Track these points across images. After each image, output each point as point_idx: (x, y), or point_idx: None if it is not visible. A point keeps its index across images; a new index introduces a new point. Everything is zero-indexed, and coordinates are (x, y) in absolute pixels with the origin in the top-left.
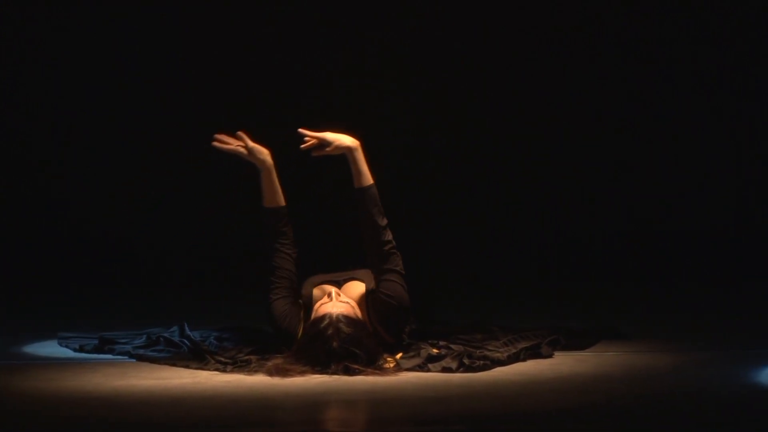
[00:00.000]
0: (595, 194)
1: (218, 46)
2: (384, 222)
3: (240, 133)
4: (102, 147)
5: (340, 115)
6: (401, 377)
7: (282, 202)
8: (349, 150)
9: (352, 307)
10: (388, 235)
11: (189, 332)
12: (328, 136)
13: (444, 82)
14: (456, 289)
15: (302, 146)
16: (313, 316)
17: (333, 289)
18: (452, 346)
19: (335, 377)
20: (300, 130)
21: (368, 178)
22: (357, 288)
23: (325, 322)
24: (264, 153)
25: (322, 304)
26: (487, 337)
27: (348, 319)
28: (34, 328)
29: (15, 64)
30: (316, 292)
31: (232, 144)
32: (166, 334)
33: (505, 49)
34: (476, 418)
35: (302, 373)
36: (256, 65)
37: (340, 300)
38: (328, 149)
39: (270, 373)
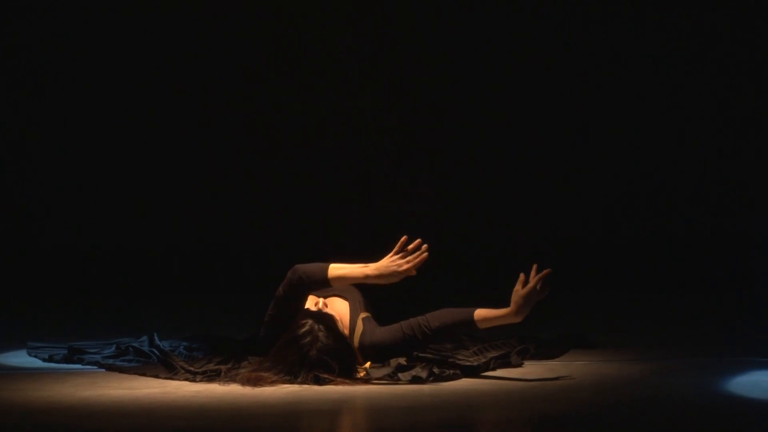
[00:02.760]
0: (565, 201)
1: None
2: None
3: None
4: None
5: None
6: (371, 387)
7: (332, 286)
8: (516, 314)
9: (336, 319)
10: (426, 336)
11: (158, 342)
12: (534, 294)
13: (418, 100)
14: (425, 297)
15: (537, 272)
16: (296, 320)
17: (321, 300)
18: (422, 355)
19: (305, 387)
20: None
21: (482, 326)
22: (340, 304)
23: (305, 329)
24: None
25: (306, 309)
26: (457, 346)
27: (329, 330)
28: (3, 337)
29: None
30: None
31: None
32: (135, 344)
33: (480, 62)
34: (446, 428)
35: (273, 383)
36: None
37: (326, 310)
38: (523, 289)
39: (241, 383)
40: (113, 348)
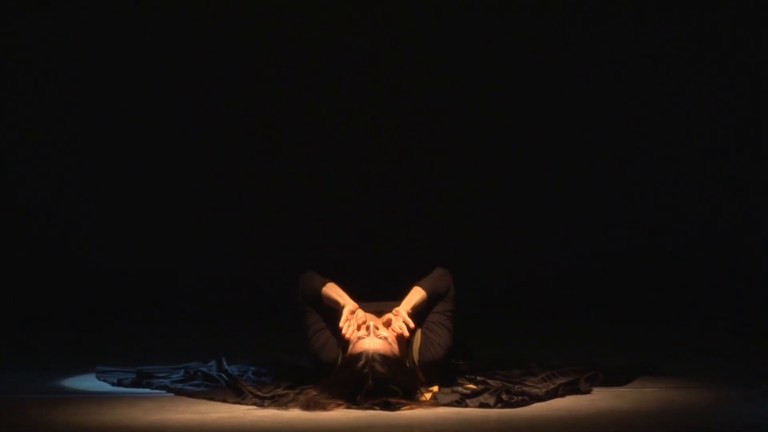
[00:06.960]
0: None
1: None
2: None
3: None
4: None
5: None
6: (439, 413)
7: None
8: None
9: (389, 343)
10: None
11: (227, 367)
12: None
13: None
14: (491, 324)
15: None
16: (350, 350)
17: (371, 322)
18: (490, 381)
19: (374, 412)
20: None
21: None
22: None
23: (362, 362)
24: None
25: (359, 338)
26: (525, 372)
27: (383, 358)
28: (73, 362)
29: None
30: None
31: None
32: (203, 369)
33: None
34: None
35: (339, 406)
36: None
37: (377, 335)
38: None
39: (307, 408)
40: (182, 372)
